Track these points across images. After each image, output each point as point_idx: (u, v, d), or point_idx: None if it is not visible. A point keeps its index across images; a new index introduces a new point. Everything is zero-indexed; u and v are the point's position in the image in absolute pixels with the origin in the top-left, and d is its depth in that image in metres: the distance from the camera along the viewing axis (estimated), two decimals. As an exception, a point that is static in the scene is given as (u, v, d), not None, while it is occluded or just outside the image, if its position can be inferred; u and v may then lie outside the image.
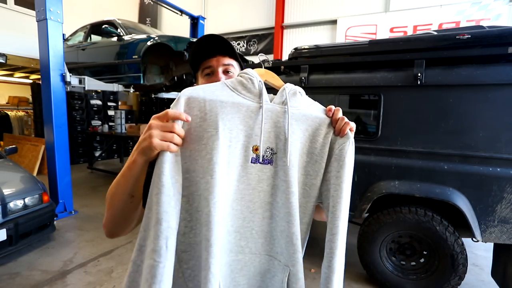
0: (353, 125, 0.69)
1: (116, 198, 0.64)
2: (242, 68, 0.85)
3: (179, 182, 0.58)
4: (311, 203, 0.70)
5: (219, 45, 0.80)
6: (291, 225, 0.65)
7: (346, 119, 0.69)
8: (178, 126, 0.58)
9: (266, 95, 0.67)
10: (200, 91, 0.64)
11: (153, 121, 0.59)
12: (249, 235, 0.67)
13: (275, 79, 0.79)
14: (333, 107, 0.70)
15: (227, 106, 0.63)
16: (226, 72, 0.82)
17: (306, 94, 0.75)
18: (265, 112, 0.65)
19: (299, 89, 0.72)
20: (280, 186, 0.66)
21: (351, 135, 0.69)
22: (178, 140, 0.58)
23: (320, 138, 0.69)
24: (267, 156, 0.66)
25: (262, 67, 2.74)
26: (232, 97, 0.65)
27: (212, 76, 0.81)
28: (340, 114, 0.70)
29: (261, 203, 0.67)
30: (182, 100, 0.61)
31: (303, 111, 0.69)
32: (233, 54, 0.82)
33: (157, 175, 0.56)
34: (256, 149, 0.65)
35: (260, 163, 0.66)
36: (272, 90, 0.73)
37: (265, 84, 0.74)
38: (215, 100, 0.63)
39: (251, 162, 0.65)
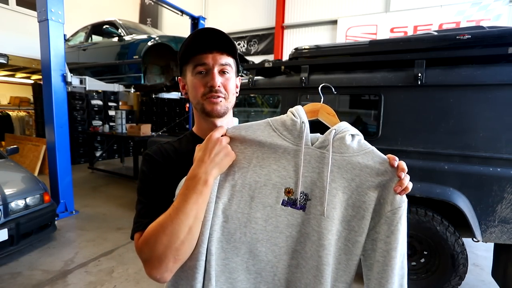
0: (410, 185, 0.60)
1: (188, 238, 0.59)
2: (238, 68, 0.77)
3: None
4: (353, 261, 0.63)
5: (218, 40, 0.69)
6: (318, 281, 0.60)
7: (408, 177, 0.60)
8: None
9: (307, 138, 0.64)
10: (242, 131, 0.67)
11: (217, 133, 0.64)
12: (271, 280, 0.64)
13: (329, 117, 0.72)
14: (397, 158, 0.62)
15: (265, 146, 0.65)
16: (222, 72, 0.71)
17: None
18: (303, 155, 0.63)
19: (352, 131, 0.65)
20: (311, 236, 0.62)
21: (406, 198, 0.61)
22: None
23: (370, 192, 0.61)
24: (300, 201, 0.62)
25: (263, 66, 2.76)
26: (272, 138, 0.65)
27: (205, 76, 0.70)
28: (405, 169, 0.60)
29: (287, 248, 0.63)
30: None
31: (350, 159, 0.63)
32: (232, 52, 0.72)
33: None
34: (288, 192, 0.63)
35: (291, 207, 0.62)
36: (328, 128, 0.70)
37: (319, 122, 0.74)
38: (254, 140, 0.66)
39: (282, 204, 0.63)
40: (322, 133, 0.67)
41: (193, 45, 0.69)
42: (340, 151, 0.63)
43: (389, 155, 0.63)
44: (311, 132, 0.67)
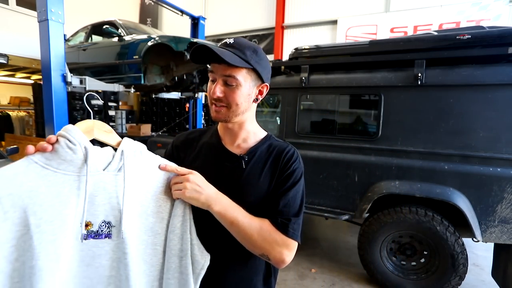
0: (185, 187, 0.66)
1: None
2: (260, 76, 0.77)
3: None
4: (161, 256, 0.69)
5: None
6: None
7: (177, 183, 0.68)
8: None
9: (94, 163, 0.60)
10: None
11: None
12: None
13: (106, 134, 0.67)
14: (167, 166, 0.70)
15: (40, 194, 0.54)
16: (226, 83, 0.73)
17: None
18: (96, 183, 0.60)
19: (139, 148, 0.68)
20: (123, 259, 0.63)
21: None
22: None
23: (161, 195, 0.68)
24: (102, 230, 0.62)
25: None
26: (46, 178, 0.55)
27: (213, 84, 0.76)
28: (169, 169, 0.71)
29: (100, 278, 0.63)
30: None
31: (141, 173, 0.66)
32: (241, 64, 0.72)
33: None
34: (87, 225, 0.61)
35: (93, 238, 0.61)
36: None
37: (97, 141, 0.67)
38: (18, 193, 0.52)
39: (82, 239, 0.60)
40: None
41: (208, 53, 0.71)
42: (134, 168, 0.65)
43: (162, 165, 0.71)
44: None
